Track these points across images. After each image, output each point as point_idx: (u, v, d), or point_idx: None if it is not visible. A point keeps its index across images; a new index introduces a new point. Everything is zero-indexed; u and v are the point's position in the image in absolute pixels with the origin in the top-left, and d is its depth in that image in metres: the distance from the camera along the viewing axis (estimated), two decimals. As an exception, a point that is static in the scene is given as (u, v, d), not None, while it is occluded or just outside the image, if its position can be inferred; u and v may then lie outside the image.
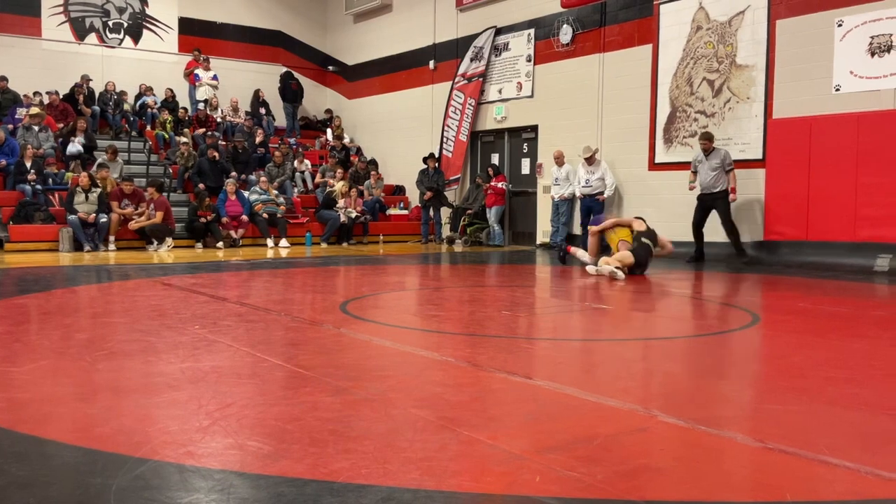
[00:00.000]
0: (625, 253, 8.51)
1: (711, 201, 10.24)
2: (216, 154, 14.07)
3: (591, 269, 8.63)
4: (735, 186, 10.16)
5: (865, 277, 8.68)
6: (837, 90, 9.68)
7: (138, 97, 16.49)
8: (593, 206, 12.07)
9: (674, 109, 11.56)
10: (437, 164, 14.78)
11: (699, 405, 3.23)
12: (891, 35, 9.19)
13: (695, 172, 10.41)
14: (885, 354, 4.38)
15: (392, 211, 15.84)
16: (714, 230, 10.39)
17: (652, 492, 2.22)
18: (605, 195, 12.00)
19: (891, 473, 2.33)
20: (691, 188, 10.47)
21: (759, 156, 10.45)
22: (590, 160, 12.01)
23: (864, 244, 9.32)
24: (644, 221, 9.03)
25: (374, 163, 16.54)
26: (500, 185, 13.97)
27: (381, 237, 14.67)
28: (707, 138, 10.28)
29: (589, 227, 9.61)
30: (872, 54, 9.36)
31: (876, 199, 9.24)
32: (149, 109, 16.06)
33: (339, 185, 14.32)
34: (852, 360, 4.18)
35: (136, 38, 17.17)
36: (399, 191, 16.79)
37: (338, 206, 14.01)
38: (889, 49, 9.21)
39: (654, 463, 2.48)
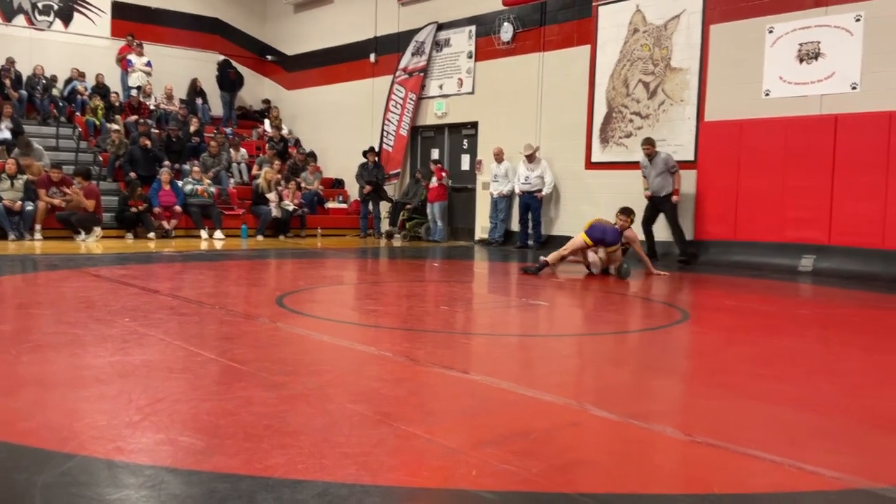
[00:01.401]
0: (595, 259, 8.40)
1: (660, 203, 10.41)
2: (148, 142, 13.71)
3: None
4: (679, 188, 10.27)
5: (790, 277, 8.99)
6: (767, 95, 9.99)
7: (68, 82, 15.94)
8: (531, 202, 12.22)
9: (610, 110, 11.76)
10: (376, 158, 14.71)
11: (631, 400, 3.30)
12: (818, 43, 9.52)
13: (646, 178, 10.50)
14: (808, 352, 4.55)
15: (331, 204, 15.70)
16: (661, 230, 10.57)
17: (585, 485, 2.26)
18: (543, 192, 12.16)
19: (813, 467, 2.43)
20: (647, 196, 10.49)
21: (691, 157, 10.70)
22: (530, 158, 12.14)
23: (790, 245, 9.65)
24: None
25: (312, 155, 16.37)
26: (443, 175, 13.96)
27: (319, 230, 14.53)
28: (649, 143, 10.40)
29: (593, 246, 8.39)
30: (801, 61, 9.68)
31: (802, 201, 9.57)
32: (79, 95, 15.54)
33: (265, 173, 14.09)
34: (777, 357, 4.33)
35: (67, 21, 16.58)
36: (338, 184, 16.66)
37: (269, 197, 13.76)
38: (816, 56, 9.54)
39: (587, 456, 2.52)
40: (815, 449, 2.64)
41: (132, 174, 13.18)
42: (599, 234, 8.31)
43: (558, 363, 4.15)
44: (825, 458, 2.53)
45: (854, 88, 9.21)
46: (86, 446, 2.41)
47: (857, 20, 9.17)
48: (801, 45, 9.67)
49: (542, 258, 8.51)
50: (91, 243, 11.39)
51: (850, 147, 9.16)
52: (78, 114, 15.34)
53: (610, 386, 3.60)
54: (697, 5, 10.66)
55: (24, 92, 14.94)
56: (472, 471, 2.31)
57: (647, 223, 10.55)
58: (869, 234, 9.02)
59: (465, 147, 14.43)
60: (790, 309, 6.60)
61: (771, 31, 9.92)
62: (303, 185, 14.90)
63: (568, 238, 9.64)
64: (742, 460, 2.50)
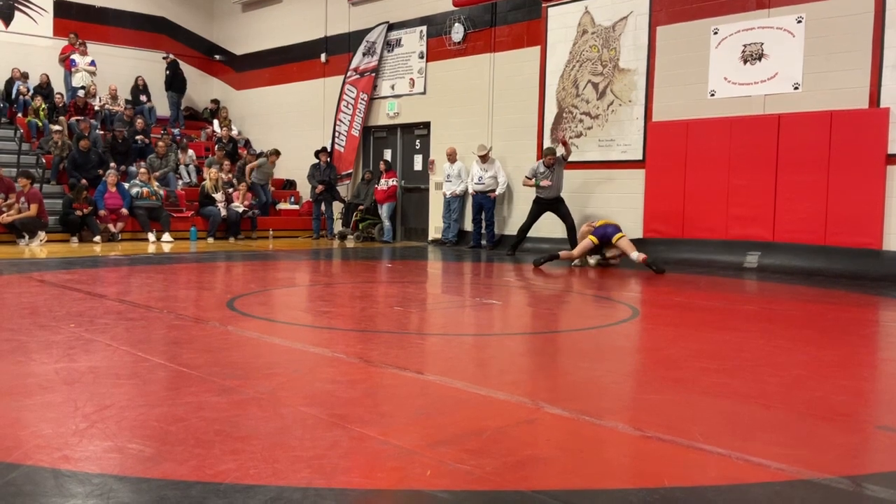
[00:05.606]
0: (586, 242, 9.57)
1: (553, 205, 10.94)
2: (88, 144, 13.35)
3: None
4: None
5: (736, 273, 9.19)
6: (712, 95, 10.20)
7: (10, 82, 15.50)
8: (484, 202, 12.29)
9: (560, 110, 11.87)
10: (329, 159, 14.62)
11: (583, 396, 3.34)
12: (762, 44, 9.75)
13: (539, 183, 10.86)
14: (754, 346, 4.66)
15: (282, 205, 15.55)
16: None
17: (539, 481, 2.28)
18: (496, 192, 12.23)
19: (759, 458, 2.49)
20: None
21: (640, 157, 10.87)
22: (484, 158, 12.20)
23: (735, 242, 9.87)
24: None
25: (264, 155, 16.16)
26: (391, 181, 13.93)
27: (271, 232, 14.39)
28: (552, 154, 10.78)
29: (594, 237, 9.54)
30: (745, 62, 9.90)
31: (746, 199, 9.79)
32: (21, 96, 15.12)
33: (210, 173, 13.89)
34: (724, 352, 4.43)
35: (7, 20, 16.11)
36: (290, 185, 16.50)
37: (216, 197, 13.57)
38: (760, 57, 9.77)
39: (540, 453, 2.55)
40: (760, 441, 2.70)
41: (84, 181, 12.82)
42: (602, 232, 9.51)
43: (511, 361, 4.18)
44: (770, 449, 2.59)
45: (796, 89, 9.46)
46: (31, 455, 2.35)
47: (799, 21, 9.42)
48: (744, 46, 9.89)
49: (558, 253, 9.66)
50: (35, 248, 11.09)
51: (792, 146, 9.40)
52: (20, 115, 14.93)
53: (563, 383, 3.64)
54: (644, 7, 10.83)
55: (-38, 93, 14.51)
56: (426, 471, 2.31)
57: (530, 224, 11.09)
58: (811, 230, 9.28)
59: (417, 147, 14.42)
60: (736, 305, 6.74)
61: (716, 33, 10.13)
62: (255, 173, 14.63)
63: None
64: (691, 453, 2.55)
